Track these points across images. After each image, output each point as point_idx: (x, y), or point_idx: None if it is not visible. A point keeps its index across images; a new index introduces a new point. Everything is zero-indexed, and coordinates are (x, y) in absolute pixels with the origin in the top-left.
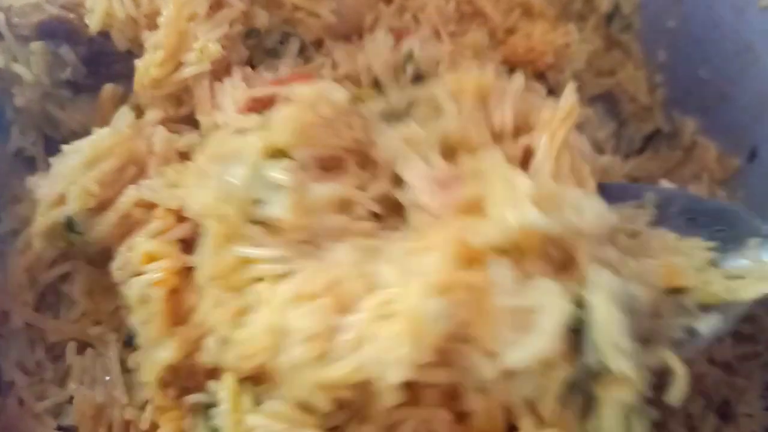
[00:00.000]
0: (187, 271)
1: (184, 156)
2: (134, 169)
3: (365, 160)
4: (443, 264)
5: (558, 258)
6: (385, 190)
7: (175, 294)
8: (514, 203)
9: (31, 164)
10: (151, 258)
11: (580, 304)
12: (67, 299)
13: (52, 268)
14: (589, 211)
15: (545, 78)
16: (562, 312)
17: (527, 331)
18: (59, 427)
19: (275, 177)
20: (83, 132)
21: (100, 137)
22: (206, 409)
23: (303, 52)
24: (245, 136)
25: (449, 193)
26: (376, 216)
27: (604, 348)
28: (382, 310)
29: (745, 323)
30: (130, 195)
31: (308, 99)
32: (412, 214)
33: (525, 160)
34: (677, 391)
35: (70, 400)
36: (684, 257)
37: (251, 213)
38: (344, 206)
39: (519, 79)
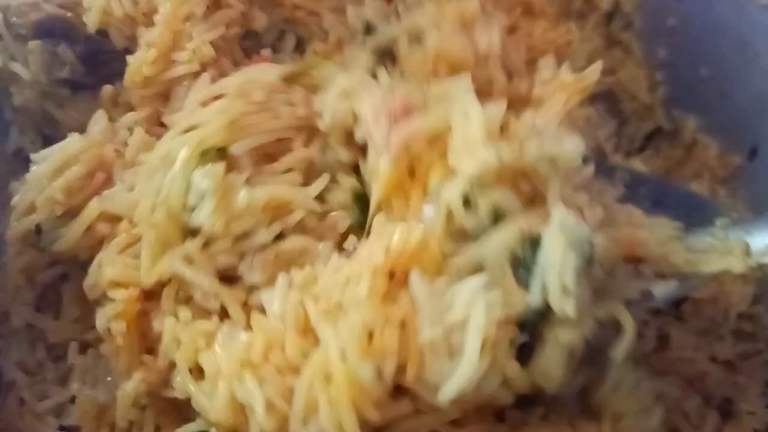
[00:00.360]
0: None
1: None
2: (103, 175)
3: (314, 132)
4: (369, 300)
5: (528, 192)
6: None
7: (143, 316)
8: (467, 145)
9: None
10: (115, 284)
11: (534, 242)
12: (67, 298)
13: (49, 269)
14: (564, 141)
15: None
16: (486, 320)
17: (455, 357)
18: (61, 427)
19: (199, 182)
20: (82, 130)
21: (68, 143)
22: None
23: (300, 46)
24: (169, 133)
25: (401, 126)
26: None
27: (550, 287)
28: (323, 373)
29: (746, 321)
30: (92, 208)
31: (237, 88)
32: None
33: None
34: (623, 347)
35: (72, 399)
36: (648, 231)
37: (183, 220)
38: (279, 210)
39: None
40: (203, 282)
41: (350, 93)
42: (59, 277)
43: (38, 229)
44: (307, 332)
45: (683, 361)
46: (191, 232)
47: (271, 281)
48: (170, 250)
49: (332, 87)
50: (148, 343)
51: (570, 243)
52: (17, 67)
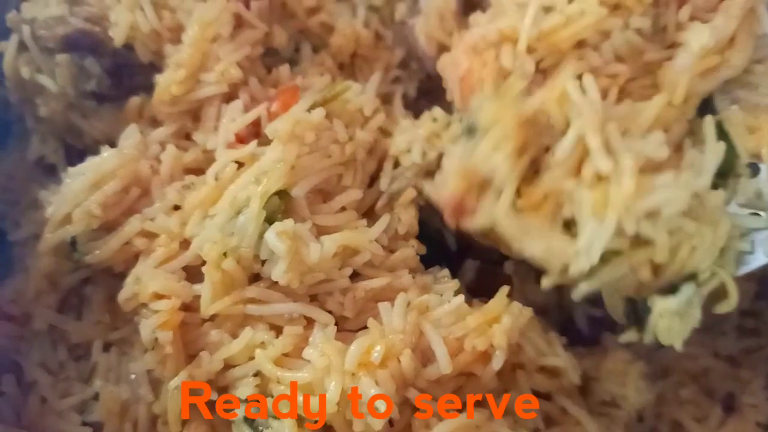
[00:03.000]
0: (195, 299)
1: (190, 171)
2: (138, 190)
3: (359, 164)
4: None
5: None
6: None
7: (184, 326)
8: None
9: (51, 171)
10: (158, 296)
11: None
12: (89, 301)
13: (73, 274)
14: None
15: None
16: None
17: None
18: (84, 423)
19: (273, 243)
20: (105, 141)
21: (104, 159)
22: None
23: (314, 51)
24: (242, 174)
25: None
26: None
27: None
28: None
29: (749, 318)
30: (133, 225)
31: (289, 132)
32: None
33: None
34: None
35: (96, 397)
36: None
37: (252, 268)
38: (348, 254)
39: None
40: (273, 311)
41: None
42: (81, 281)
43: (73, 241)
44: (417, 350)
45: (686, 357)
46: (256, 275)
47: (361, 315)
48: (234, 291)
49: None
50: (190, 351)
51: None
52: (44, 79)
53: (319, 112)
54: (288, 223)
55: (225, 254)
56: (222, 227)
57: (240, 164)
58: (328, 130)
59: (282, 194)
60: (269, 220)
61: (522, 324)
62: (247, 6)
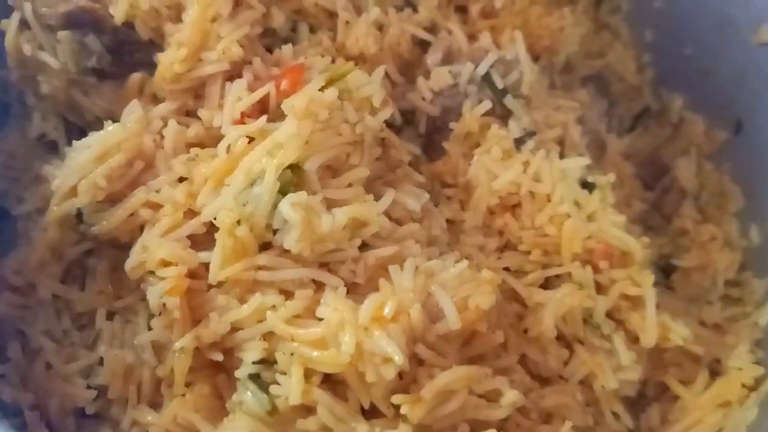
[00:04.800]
0: (200, 267)
1: (191, 145)
2: (141, 163)
3: (367, 145)
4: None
5: None
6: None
7: (190, 292)
8: None
9: (52, 148)
10: (165, 263)
11: None
12: (92, 272)
13: (77, 245)
14: None
15: (540, 60)
16: None
17: None
18: (89, 387)
19: (286, 212)
20: (106, 117)
21: (109, 133)
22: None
23: (311, 32)
24: (254, 148)
25: None
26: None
27: None
28: None
29: (734, 287)
30: (138, 197)
31: (305, 109)
32: None
33: None
34: None
35: (100, 362)
36: None
37: (264, 237)
38: (357, 226)
39: None
40: (284, 276)
41: None
42: (84, 253)
43: (78, 213)
44: (425, 308)
45: None
46: (266, 244)
47: (370, 282)
48: (245, 258)
49: None
50: (196, 315)
51: None
52: (45, 56)
53: (332, 92)
54: (302, 195)
55: (239, 222)
56: (236, 196)
57: (250, 139)
58: (339, 110)
59: (294, 168)
60: (282, 192)
61: None
62: None
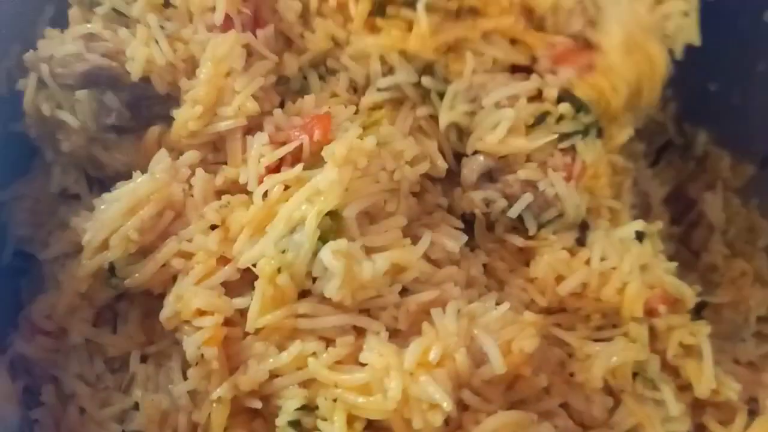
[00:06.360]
0: (236, 314)
1: (220, 193)
2: (172, 213)
3: (402, 194)
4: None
5: None
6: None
7: (226, 340)
8: None
9: (75, 195)
10: (201, 312)
11: None
12: (123, 315)
13: (106, 292)
14: None
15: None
16: None
17: None
18: None
19: (328, 261)
20: (126, 170)
21: (138, 185)
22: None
23: (322, 80)
24: (293, 194)
25: None
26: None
27: None
28: None
29: (766, 324)
30: (170, 246)
31: (345, 157)
32: None
33: None
34: None
35: (135, 406)
36: None
37: (303, 284)
38: (397, 271)
39: None
40: (325, 323)
41: None
42: (115, 297)
43: (111, 267)
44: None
45: None
46: (304, 291)
47: (413, 326)
48: (285, 306)
49: None
50: (232, 363)
51: None
52: (64, 115)
53: (371, 140)
54: (342, 242)
55: (279, 270)
56: (276, 244)
57: (285, 186)
58: (377, 158)
59: (333, 214)
60: (322, 239)
61: None
62: (255, 35)
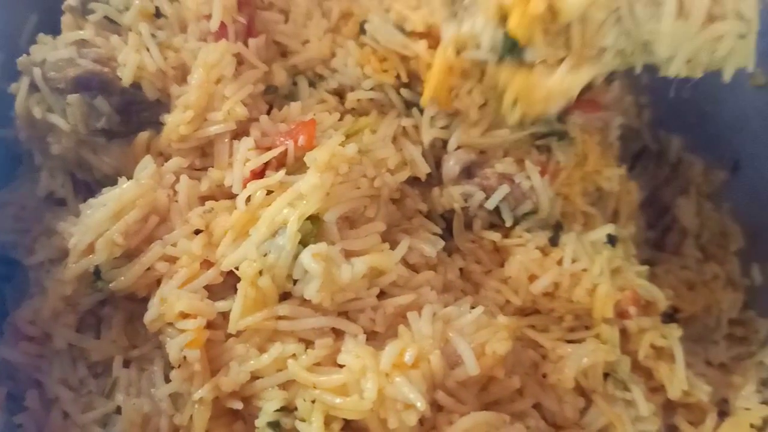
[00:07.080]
0: (218, 316)
1: (204, 199)
2: (156, 218)
3: (383, 201)
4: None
5: None
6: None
7: (208, 342)
8: None
9: (62, 200)
10: (184, 315)
11: None
12: (107, 321)
13: (90, 297)
14: None
15: None
16: None
17: None
18: None
19: (308, 264)
20: (114, 175)
21: (123, 190)
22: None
23: (312, 86)
24: (275, 199)
25: None
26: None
27: None
28: None
29: (738, 327)
30: (155, 251)
31: (326, 162)
32: None
33: None
34: None
35: (117, 410)
36: None
37: (284, 287)
38: (375, 275)
39: None
40: (305, 325)
41: None
42: (99, 303)
43: (96, 270)
44: (444, 354)
45: None
46: (285, 293)
47: (390, 329)
48: (266, 308)
49: None
50: (213, 365)
51: None
52: (55, 119)
53: (353, 147)
54: (322, 246)
55: (260, 272)
56: (258, 247)
57: (268, 191)
58: (358, 164)
59: (314, 219)
60: (302, 242)
61: None
62: (246, 44)
